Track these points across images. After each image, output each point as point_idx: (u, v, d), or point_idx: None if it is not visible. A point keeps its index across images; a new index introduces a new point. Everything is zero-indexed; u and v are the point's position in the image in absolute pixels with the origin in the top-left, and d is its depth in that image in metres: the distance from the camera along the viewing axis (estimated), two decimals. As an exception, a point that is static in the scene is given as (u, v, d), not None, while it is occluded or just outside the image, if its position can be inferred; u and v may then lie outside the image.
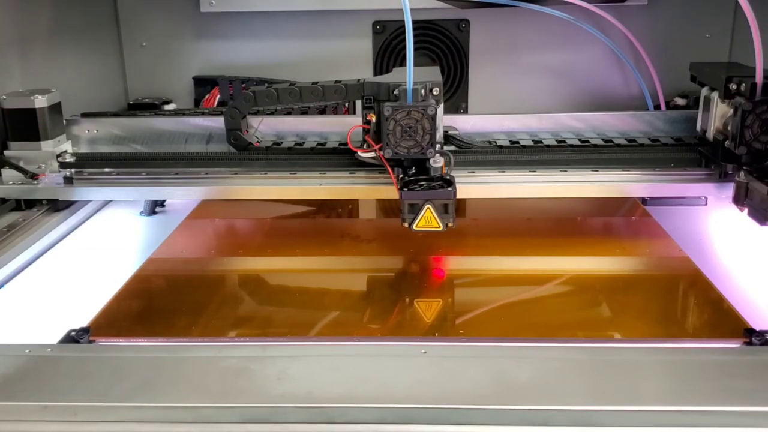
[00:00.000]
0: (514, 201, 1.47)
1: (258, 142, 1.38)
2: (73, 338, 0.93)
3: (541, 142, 1.38)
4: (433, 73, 1.22)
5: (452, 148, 1.31)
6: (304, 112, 1.53)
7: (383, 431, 0.72)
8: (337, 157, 1.32)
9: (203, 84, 1.80)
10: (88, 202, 1.42)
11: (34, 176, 1.31)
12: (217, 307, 1.08)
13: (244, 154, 1.33)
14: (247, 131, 1.36)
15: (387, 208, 1.52)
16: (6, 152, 1.33)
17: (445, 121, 1.30)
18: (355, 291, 1.17)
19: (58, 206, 1.33)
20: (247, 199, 1.43)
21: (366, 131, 1.18)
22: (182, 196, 1.43)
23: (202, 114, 1.50)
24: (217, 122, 1.38)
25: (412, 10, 1.08)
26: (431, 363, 0.81)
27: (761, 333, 0.92)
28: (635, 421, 0.72)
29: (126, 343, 0.97)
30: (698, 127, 1.33)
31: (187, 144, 1.42)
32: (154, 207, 1.52)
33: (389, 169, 1.13)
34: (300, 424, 0.73)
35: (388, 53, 1.80)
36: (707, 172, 1.27)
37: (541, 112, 1.45)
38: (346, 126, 1.30)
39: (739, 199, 1.18)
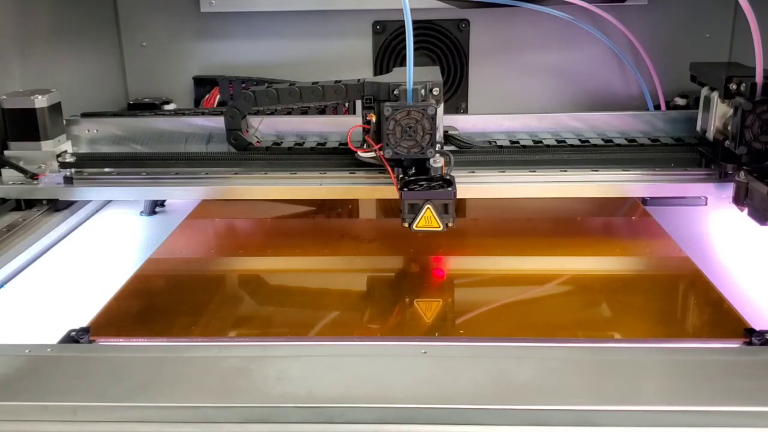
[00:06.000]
0: (514, 201, 1.47)
1: (258, 142, 1.38)
2: (73, 338, 0.94)
3: (541, 142, 1.38)
4: (433, 73, 1.22)
5: (452, 148, 1.31)
6: (304, 112, 1.53)
7: (383, 431, 0.72)
8: (337, 157, 1.32)
9: (203, 84, 1.80)
10: (88, 202, 1.42)
11: (34, 176, 1.31)
12: (217, 307, 1.08)
13: (244, 154, 1.33)
14: (247, 131, 1.36)
15: (387, 208, 1.52)
16: (6, 152, 1.33)
17: (445, 121, 1.30)
18: (355, 291, 1.17)
19: (58, 206, 1.33)
20: (247, 199, 1.43)
21: (366, 131, 1.17)
22: (182, 196, 1.43)
23: (202, 114, 1.49)
24: (217, 122, 1.38)
25: (412, 10, 1.08)
26: (431, 363, 0.81)
27: (761, 333, 0.92)
28: (635, 421, 0.72)
29: (126, 343, 0.97)
30: (698, 127, 1.33)
31: (187, 144, 1.42)
32: (154, 207, 1.52)
33: (389, 169, 1.13)
34: (300, 424, 0.73)
35: (388, 53, 1.80)
36: (707, 172, 1.27)
37: (541, 112, 1.45)
38: (346, 126, 1.30)
39: (739, 199, 1.18)
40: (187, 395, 0.76)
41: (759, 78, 1.16)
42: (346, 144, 1.27)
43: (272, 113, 1.46)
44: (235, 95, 1.29)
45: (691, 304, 1.11)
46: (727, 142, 1.21)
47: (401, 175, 1.13)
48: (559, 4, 1.57)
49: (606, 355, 0.84)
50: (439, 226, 1.05)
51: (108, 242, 1.38)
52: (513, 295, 1.14)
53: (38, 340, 0.89)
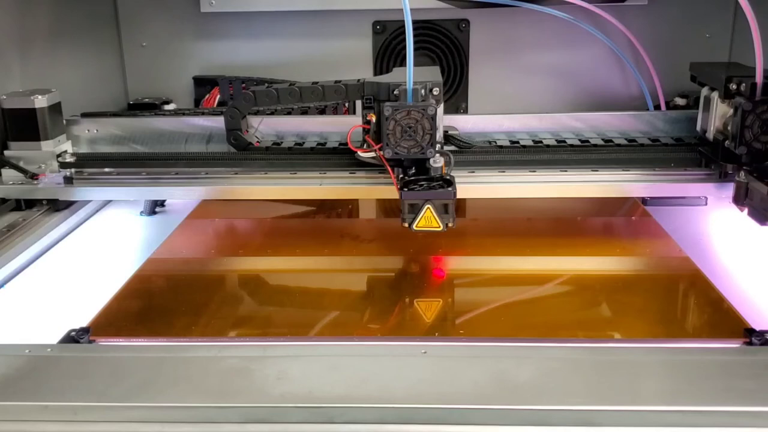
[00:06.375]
0: (514, 201, 1.47)
1: (258, 142, 1.38)
2: (73, 338, 0.94)
3: (541, 142, 1.38)
4: (433, 73, 1.22)
5: (452, 148, 1.31)
6: (304, 112, 1.53)
7: (383, 431, 0.72)
8: (337, 157, 1.32)
9: (203, 84, 1.80)
10: (88, 202, 1.42)
11: (34, 176, 1.31)
12: (217, 307, 1.08)
13: (244, 154, 1.33)
14: (247, 131, 1.36)
15: (387, 208, 1.52)
16: (6, 152, 1.33)
17: (445, 121, 1.30)
18: (355, 291, 1.17)
19: (58, 206, 1.33)
20: (247, 199, 1.43)
21: (366, 131, 1.17)
22: (182, 196, 1.43)
23: (202, 114, 1.49)
24: (217, 122, 1.38)
25: (412, 10, 1.08)
26: (431, 363, 0.81)
27: (761, 333, 0.92)
28: (635, 421, 0.72)
29: (126, 343, 0.97)
30: (698, 127, 1.33)
31: (187, 144, 1.42)
32: (154, 207, 1.52)
33: (389, 169, 1.13)
34: (300, 424, 0.73)
35: (388, 53, 1.80)
36: (707, 172, 1.27)
37: (541, 112, 1.45)
38: (346, 126, 1.30)
39: (739, 199, 1.18)
40: (187, 395, 0.76)
41: (759, 78, 1.16)
42: (346, 144, 1.27)
43: (272, 113, 1.46)
44: (235, 95, 1.29)
45: (691, 304, 1.11)
46: (727, 142, 1.21)
47: (401, 175, 1.13)
48: (559, 4, 1.57)
49: (606, 355, 0.84)
50: (439, 226, 1.05)
51: (108, 242, 1.38)
52: (513, 295, 1.14)
53: (38, 340, 0.89)
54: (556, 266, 1.23)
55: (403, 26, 1.18)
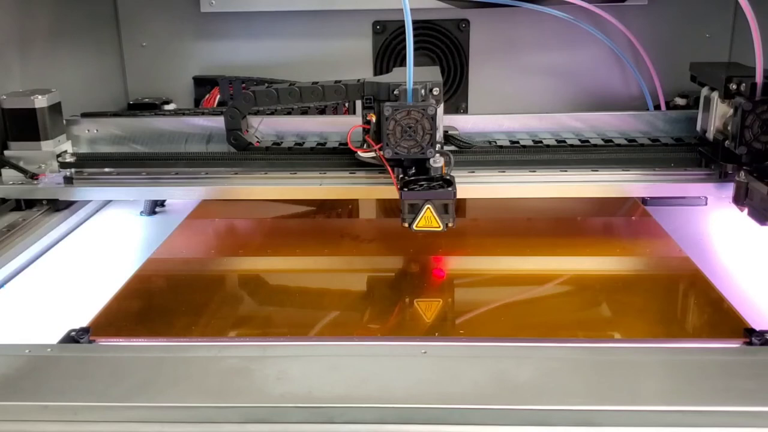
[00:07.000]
0: (514, 201, 1.47)
1: (258, 142, 1.38)
2: (73, 338, 0.94)
3: (541, 142, 1.38)
4: (433, 73, 1.22)
5: (452, 148, 1.31)
6: (304, 112, 1.53)
7: (383, 431, 0.72)
8: (337, 157, 1.32)
9: (203, 84, 1.80)
10: (88, 202, 1.42)
11: (34, 176, 1.31)
12: (217, 307, 1.08)
13: (244, 154, 1.33)
14: (247, 131, 1.36)
15: (387, 208, 1.52)
16: (6, 152, 1.33)
17: (445, 121, 1.31)
18: (355, 291, 1.17)
19: (58, 206, 1.33)
20: (247, 199, 1.43)
21: (366, 131, 1.17)
22: (182, 196, 1.43)
23: (202, 114, 1.49)
24: (217, 122, 1.38)
25: (412, 10, 1.08)
26: (431, 363, 0.81)
27: (761, 333, 0.92)
28: (635, 421, 0.72)
29: (126, 343, 0.97)
30: (698, 127, 1.33)
31: (187, 144, 1.42)
32: (154, 207, 1.52)
33: (389, 169, 1.13)
34: (300, 424, 0.73)
35: (388, 53, 1.80)
36: (707, 172, 1.27)
37: (541, 112, 1.45)
38: (346, 126, 1.30)
39: (739, 199, 1.18)
40: (187, 395, 0.76)
41: (759, 78, 1.16)
42: (346, 144, 1.27)
43: (272, 113, 1.46)
44: (235, 95, 1.29)
45: (691, 304, 1.11)
46: (727, 142, 1.21)
47: (401, 175, 1.13)
48: (559, 4, 1.57)
49: (606, 355, 0.84)
50: (439, 226, 1.05)
51: (108, 242, 1.38)
52: (513, 295, 1.14)
53: (38, 340, 0.89)
54: (556, 266, 1.23)
55: (403, 26, 1.18)
